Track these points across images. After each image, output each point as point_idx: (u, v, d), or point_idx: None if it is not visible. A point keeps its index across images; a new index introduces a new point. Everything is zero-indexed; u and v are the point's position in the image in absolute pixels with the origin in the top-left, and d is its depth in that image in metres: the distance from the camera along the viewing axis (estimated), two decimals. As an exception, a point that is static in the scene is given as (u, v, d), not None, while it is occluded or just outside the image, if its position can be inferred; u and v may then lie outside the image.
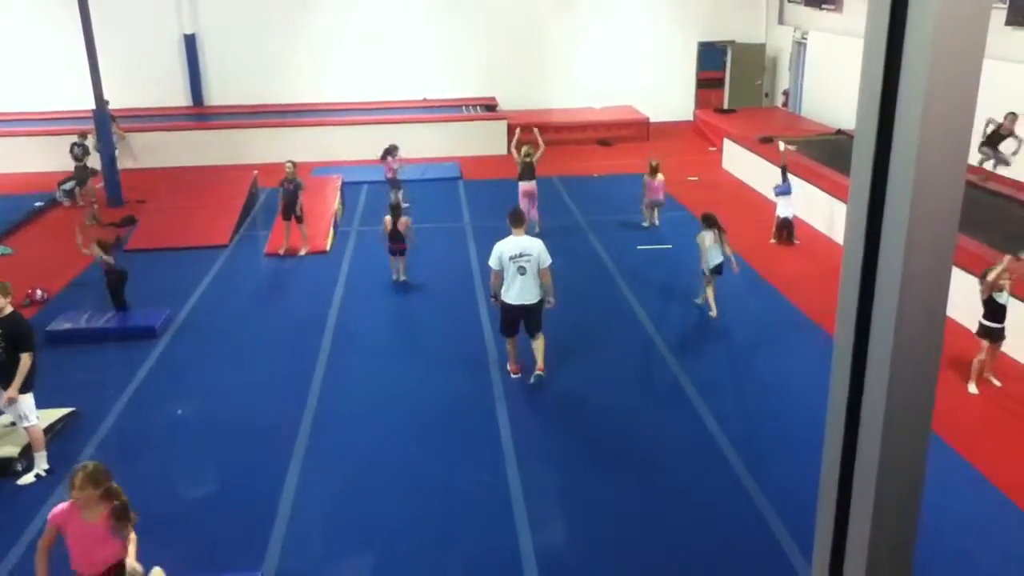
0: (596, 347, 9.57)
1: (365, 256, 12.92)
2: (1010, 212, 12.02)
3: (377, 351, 9.70)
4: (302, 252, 12.86)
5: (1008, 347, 9.21)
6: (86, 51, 14.79)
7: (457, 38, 21.35)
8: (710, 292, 10.31)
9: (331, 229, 13.69)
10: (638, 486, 7.17)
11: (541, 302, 8.51)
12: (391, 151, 14.85)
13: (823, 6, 19.47)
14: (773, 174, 15.35)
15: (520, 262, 8.33)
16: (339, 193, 15.13)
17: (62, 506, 5.01)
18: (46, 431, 7.54)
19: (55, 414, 7.97)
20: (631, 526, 6.63)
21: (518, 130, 14.34)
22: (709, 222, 10.28)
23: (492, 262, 8.49)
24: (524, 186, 13.24)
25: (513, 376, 8.78)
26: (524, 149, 13.27)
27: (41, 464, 7.37)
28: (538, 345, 8.65)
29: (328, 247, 13.20)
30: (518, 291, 8.39)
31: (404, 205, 13.77)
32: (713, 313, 10.22)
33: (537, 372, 8.62)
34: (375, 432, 8.00)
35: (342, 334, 10.14)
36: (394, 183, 14.59)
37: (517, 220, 8.66)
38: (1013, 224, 11.45)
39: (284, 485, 7.17)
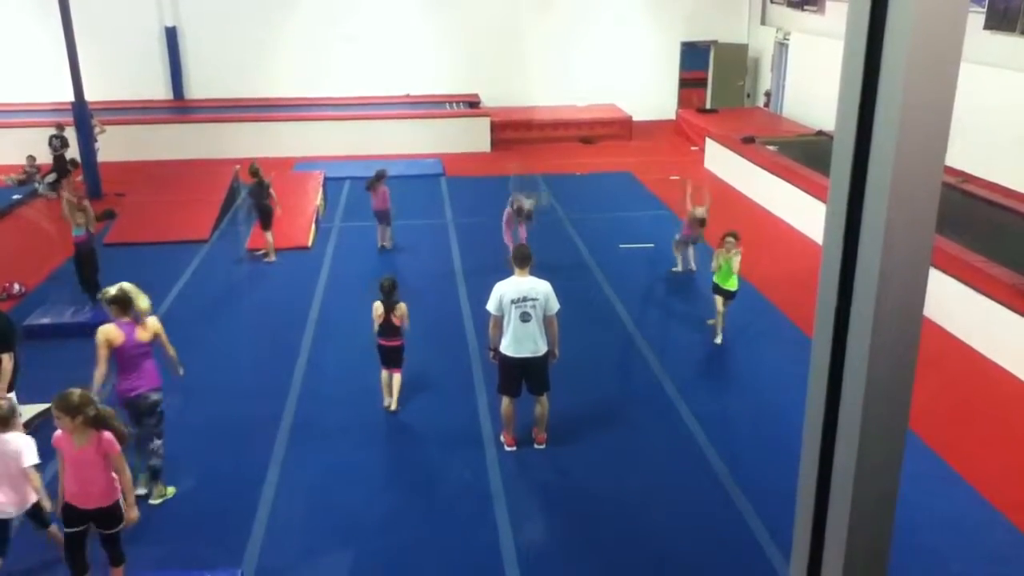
0: (575, 345, 9.58)
1: (346, 252, 12.88)
2: (987, 215, 12.14)
3: (358, 348, 9.65)
4: (270, 258, 12.47)
5: (982, 346, 9.33)
6: (65, 43, 14.63)
7: (440, 34, 21.31)
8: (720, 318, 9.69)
9: (313, 225, 13.63)
10: (618, 486, 7.19)
11: (547, 354, 7.39)
12: (382, 177, 12.76)
13: (805, 7, 19.58)
14: (755, 174, 15.46)
15: (524, 307, 7.15)
16: (321, 188, 15.06)
17: (58, 431, 5.38)
18: (24, 426, 7.47)
19: (32, 410, 7.89)
20: (611, 526, 6.66)
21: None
22: (732, 239, 9.53)
23: (491, 306, 7.24)
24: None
25: (508, 449, 7.58)
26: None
27: (18, 461, 7.29)
28: (541, 411, 7.52)
29: (309, 243, 13.14)
30: (520, 341, 7.22)
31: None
32: (718, 340, 9.65)
33: (537, 445, 7.61)
34: (355, 429, 7.98)
35: (323, 331, 10.10)
36: (384, 216, 12.85)
37: (521, 259, 7.38)
38: (989, 226, 11.57)
39: (264, 482, 7.14)
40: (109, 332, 6.58)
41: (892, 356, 1.15)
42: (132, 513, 5.55)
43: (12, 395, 7.18)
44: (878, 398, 1.18)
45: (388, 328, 8.11)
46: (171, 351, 6.97)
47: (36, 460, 5.74)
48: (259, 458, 7.48)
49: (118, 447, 5.37)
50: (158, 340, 6.79)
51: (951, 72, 1.03)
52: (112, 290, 6.69)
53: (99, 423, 5.32)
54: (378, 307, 8.08)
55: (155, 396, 6.76)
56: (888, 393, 1.18)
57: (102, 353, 6.53)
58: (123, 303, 6.61)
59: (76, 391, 5.37)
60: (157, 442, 6.85)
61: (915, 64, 1.02)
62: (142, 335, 6.66)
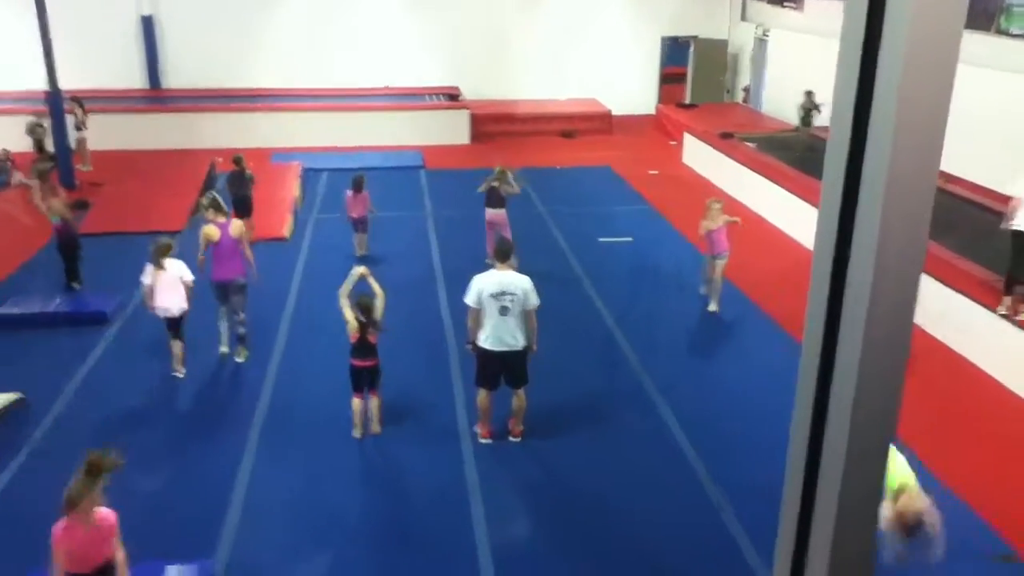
0: (553, 339, 9.55)
1: (324, 244, 12.78)
2: (967, 215, 12.23)
3: (335, 342, 9.57)
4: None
5: (968, 351, 9.35)
6: (40, 31, 14.40)
7: (421, 26, 21.20)
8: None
9: (290, 216, 13.52)
10: (594, 481, 7.19)
11: (526, 348, 7.40)
12: (361, 184, 11.91)
13: (785, 4, 19.66)
14: (733, 170, 15.50)
15: (503, 301, 7.15)
16: (299, 180, 14.94)
17: (61, 525, 4.75)
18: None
19: (1, 400, 7.78)
20: (587, 520, 6.65)
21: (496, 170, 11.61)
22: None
23: (469, 298, 7.24)
24: (489, 214, 11.47)
25: (482, 441, 7.59)
26: (495, 171, 11.46)
27: (-13, 452, 7.22)
28: (518, 404, 7.53)
29: (287, 234, 13.04)
30: (499, 335, 7.22)
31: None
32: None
33: (513, 438, 7.64)
34: (330, 423, 7.91)
35: (300, 324, 10.01)
36: (361, 224, 12.10)
37: (501, 254, 7.46)
38: (972, 227, 11.65)
39: (238, 474, 7.08)
40: (209, 230, 8.59)
41: (883, 361, 1.13)
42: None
43: None
44: (868, 403, 1.16)
45: (363, 347, 7.49)
46: (249, 253, 8.83)
47: (192, 276, 8.36)
48: (234, 449, 7.41)
49: (113, 519, 4.91)
50: (243, 242, 8.72)
51: (948, 72, 1.01)
52: (205, 200, 8.91)
53: (96, 478, 4.75)
54: (352, 324, 7.43)
55: (242, 280, 8.76)
56: (877, 398, 1.17)
57: (203, 244, 8.61)
58: (218, 205, 8.76)
59: (75, 486, 4.68)
60: (242, 315, 8.84)
61: (911, 64, 1.00)
62: (234, 232, 8.62)
